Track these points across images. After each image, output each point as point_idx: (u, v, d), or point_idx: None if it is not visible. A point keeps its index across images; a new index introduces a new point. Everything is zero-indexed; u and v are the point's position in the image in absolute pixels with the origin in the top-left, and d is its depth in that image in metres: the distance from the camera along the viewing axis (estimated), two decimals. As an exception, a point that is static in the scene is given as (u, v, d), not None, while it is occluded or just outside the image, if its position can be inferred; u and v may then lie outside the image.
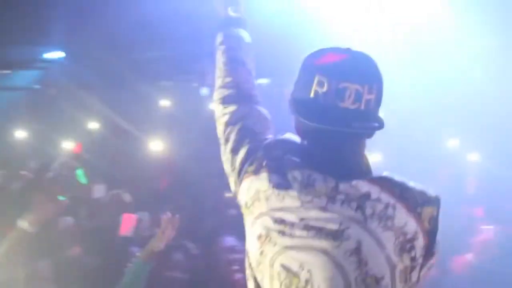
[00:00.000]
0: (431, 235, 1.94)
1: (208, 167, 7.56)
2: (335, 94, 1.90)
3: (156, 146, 9.01)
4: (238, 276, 3.80)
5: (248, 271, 2.06)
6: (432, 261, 1.97)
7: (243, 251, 2.13)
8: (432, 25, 6.85)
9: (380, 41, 6.23)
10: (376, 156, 6.71)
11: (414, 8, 6.36)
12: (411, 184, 1.96)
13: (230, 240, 4.43)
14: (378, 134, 2.00)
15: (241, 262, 3.72)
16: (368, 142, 2.04)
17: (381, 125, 1.96)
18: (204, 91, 10.54)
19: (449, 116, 7.74)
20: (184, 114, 10.41)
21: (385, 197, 1.90)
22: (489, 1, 6.64)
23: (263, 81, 8.99)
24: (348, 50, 2.00)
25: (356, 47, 2.02)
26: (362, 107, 1.92)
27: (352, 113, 1.91)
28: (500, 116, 7.30)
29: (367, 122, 1.94)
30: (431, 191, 1.98)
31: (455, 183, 6.71)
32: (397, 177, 1.97)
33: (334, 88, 1.91)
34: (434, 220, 1.95)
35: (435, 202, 1.96)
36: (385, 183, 1.93)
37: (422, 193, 1.95)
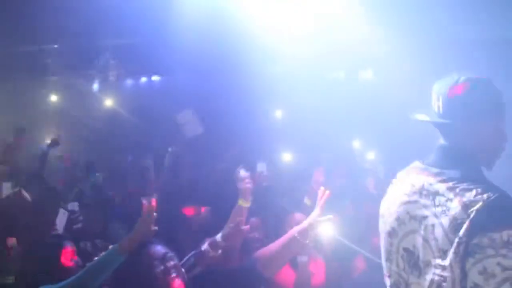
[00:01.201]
0: None
1: (99, 162, 7.47)
2: None
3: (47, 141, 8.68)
4: (177, 283, 3.78)
5: None
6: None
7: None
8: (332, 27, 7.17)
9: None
10: (288, 156, 6.90)
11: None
12: None
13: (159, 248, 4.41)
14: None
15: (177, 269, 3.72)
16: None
17: None
18: (95, 87, 10.29)
19: (348, 115, 8.03)
20: (73, 110, 10.12)
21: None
22: (387, 9, 7.01)
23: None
24: None
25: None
26: None
27: None
28: (393, 116, 7.70)
29: None
30: None
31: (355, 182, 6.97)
32: None
33: None
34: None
35: None
36: None
37: None
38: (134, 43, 8.83)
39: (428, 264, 2.43)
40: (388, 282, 2.72)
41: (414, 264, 2.51)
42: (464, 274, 2.30)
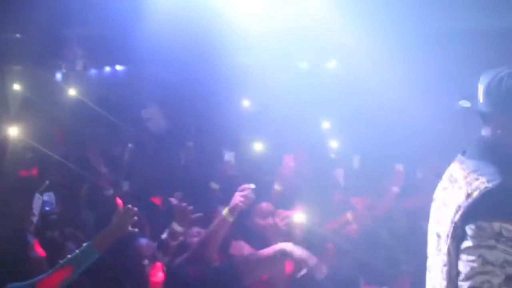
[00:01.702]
0: None
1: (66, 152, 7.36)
2: None
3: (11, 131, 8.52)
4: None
5: None
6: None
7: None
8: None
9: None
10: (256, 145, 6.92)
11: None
12: None
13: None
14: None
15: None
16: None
17: None
18: (58, 76, 10.17)
19: (317, 105, 8.07)
20: (38, 99, 9.97)
21: None
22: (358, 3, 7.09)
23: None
24: None
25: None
26: None
27: None
28: (363, 106, 7.79)
29: None
30: None
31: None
32: None
33: None
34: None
35: None
36: None
37: None
38: (102, 33, 8.73)
39: (441, 249, 2.50)
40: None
41: (437, 248, 2.57)
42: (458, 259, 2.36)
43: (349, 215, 5.90)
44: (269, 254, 3.85)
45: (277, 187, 5.84)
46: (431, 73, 8.41)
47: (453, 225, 2.39)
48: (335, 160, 7.47)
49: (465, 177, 2.45)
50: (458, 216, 2.38)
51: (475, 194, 2.36)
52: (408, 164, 6.76)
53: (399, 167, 6.53)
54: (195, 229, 4.46)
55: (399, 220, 5.98)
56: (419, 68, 8.06)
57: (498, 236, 2.27)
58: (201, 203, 5.06)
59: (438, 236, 2.55)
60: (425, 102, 7.58)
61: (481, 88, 2.48)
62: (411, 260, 5.14)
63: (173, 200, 4.36)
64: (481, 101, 2.48)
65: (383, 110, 7.57)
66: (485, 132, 2.50)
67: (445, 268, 2.43)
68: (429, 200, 6.25)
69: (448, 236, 2.42)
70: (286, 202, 5.25)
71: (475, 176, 2.42)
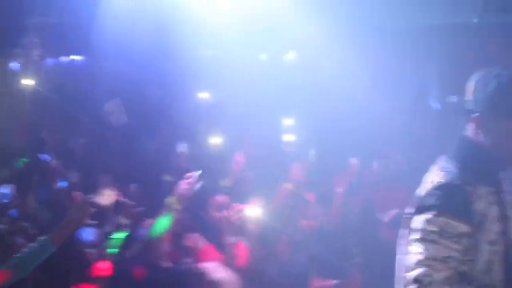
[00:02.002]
0: None
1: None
2: None
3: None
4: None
5: None
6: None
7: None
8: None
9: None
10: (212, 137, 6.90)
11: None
12: None
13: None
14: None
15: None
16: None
17: None
18: (15, 66, 9.97)
19: (274, 97, 8.06)
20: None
21: None
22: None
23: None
24: None
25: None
26: None
27: None
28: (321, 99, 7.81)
29: None
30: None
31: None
32: None
33: None
34: None
35: None
36: None
37: None
38: (61, 23, 8.60)
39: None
40: None
41: None
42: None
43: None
44: None
45: (227, 182, 5.85)
46: (389, 66, 8.50)
47: (408, 216, 2.43)
48: (292, 153, 7.45)
49: (433, 173, 2.48)
50: (413, 208, 2.42)
51: (429, 187, 2.41)
52: (365, 156, 6.81)
53: (353, 161, 6.55)
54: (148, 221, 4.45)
55: (353, 213, 5.97)
56: (377, 61, 8.13)
57: (442, 231, 2.29)
58: (155, 195, 5.04)
59: None
60: (382, 94, 7.65)
61: (469, 86, 2.48)
62: (364, 253, 5.18)
63: (118, 196, 4.31)
64: (467, 99, 2.48)
65: (340, 103, 7.59)
66: (467, 130, 2.50)
67: (398, 259, 2.46)
68: (386, 192, 6.31)
69: (404, 227, 2.46)
70: (241, 196, 5.24)
71: (438, 171, 2.46)
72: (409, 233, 2.40)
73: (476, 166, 2.41)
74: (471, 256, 2.32)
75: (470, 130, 2.48)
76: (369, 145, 6.97)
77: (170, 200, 4.10)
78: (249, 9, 7.27)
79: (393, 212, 5.40)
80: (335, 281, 4.83)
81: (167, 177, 6.02)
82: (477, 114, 2.43)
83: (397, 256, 2.48)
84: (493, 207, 2.38)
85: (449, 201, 2.33)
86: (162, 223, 4.08)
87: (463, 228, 2.30)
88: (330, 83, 7.67)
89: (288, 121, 7.84)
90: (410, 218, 2.41)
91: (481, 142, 2.44)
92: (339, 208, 5.95)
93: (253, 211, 4.67)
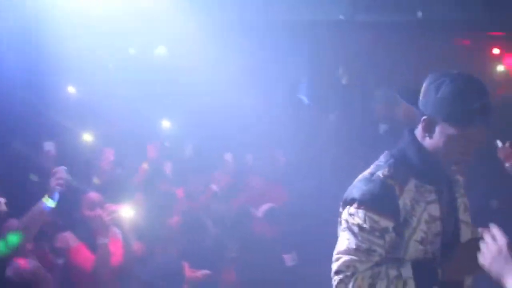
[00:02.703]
0: None
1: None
2: None
3: None
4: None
5: None
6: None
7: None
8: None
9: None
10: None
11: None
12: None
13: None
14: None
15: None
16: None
17: None
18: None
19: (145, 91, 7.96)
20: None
21: None
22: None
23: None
24: None
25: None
26: None
27: None
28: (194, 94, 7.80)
29: None
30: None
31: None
32: None
33: None
34: None
35: None
36: None
37: None
38: None
39: None
40: None
41: None
42: None
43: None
44: None
45: (96, 180, 5.73)
46: (264, 63, 8.64)
47: (340, 208, 2.48)
48: (167, 149, 7.39)
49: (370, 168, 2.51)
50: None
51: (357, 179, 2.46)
52: (240, 151, 6.87)
53: (228, 156, 6.60)
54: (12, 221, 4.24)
55: (227, 208, 6.01)
56: (251, 57, 8.24)
57: (364, 224, 2.32)
58: (20, 196, 4.81)
59: None
60: (255, 88, 7.77)
61: (423, 87, 2.47)
62: (240, 248, 5.21)
63: None
64: (420, 99, 2.48)
65: (214, 98, 7.60)
66: (416, 130, 2.51)
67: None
68: (261, 188, 6.39)
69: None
70: (113, 194, 5.12)
71: (373, 164, 2.50)
72: (339, 224, 2.46)
73: (413, 164, 2.45)
74: (397, 253, 2.35)
75: (418, 130, 2.50)
76: (242, 139, 7.04)
77: (45, 198, 3.96)
78: (119, 2, 7.14)
79: (266, 207, 5.50)
80: (207, 272, 4.85)
81: (33, 177, 5.77)
82: (425, 116, 2.44)
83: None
84: (431, 206, 2.42)
85: (370, 195, 2.36)
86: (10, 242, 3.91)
87: (385, 223, 2.33)
88: (201, 79, 7.66)
89: (161, 116, 7.75)
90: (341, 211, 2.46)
91: (425, 143, 2.46)
92: (205, 203, 6.00)
93: (126, 211, 4.58)
